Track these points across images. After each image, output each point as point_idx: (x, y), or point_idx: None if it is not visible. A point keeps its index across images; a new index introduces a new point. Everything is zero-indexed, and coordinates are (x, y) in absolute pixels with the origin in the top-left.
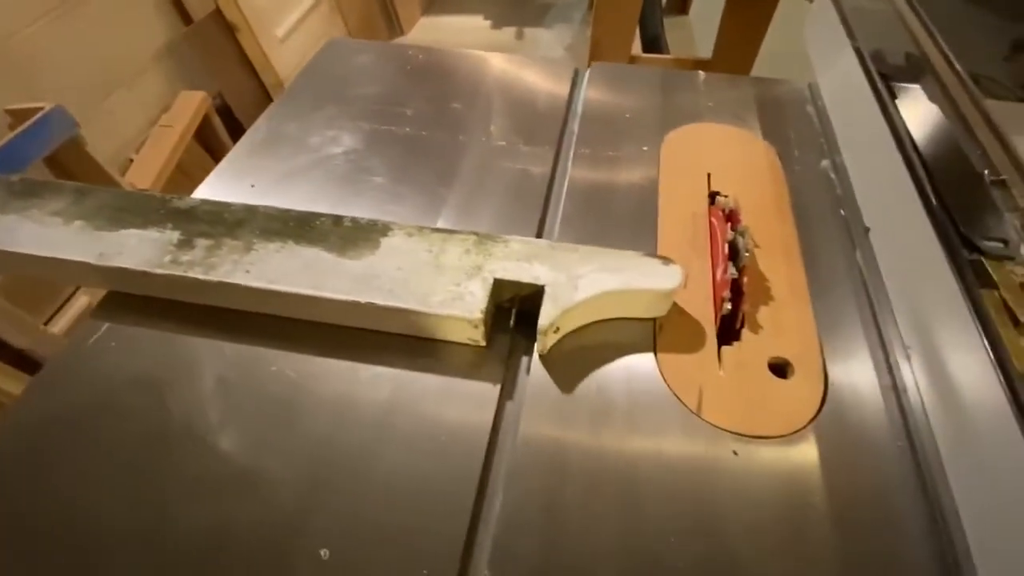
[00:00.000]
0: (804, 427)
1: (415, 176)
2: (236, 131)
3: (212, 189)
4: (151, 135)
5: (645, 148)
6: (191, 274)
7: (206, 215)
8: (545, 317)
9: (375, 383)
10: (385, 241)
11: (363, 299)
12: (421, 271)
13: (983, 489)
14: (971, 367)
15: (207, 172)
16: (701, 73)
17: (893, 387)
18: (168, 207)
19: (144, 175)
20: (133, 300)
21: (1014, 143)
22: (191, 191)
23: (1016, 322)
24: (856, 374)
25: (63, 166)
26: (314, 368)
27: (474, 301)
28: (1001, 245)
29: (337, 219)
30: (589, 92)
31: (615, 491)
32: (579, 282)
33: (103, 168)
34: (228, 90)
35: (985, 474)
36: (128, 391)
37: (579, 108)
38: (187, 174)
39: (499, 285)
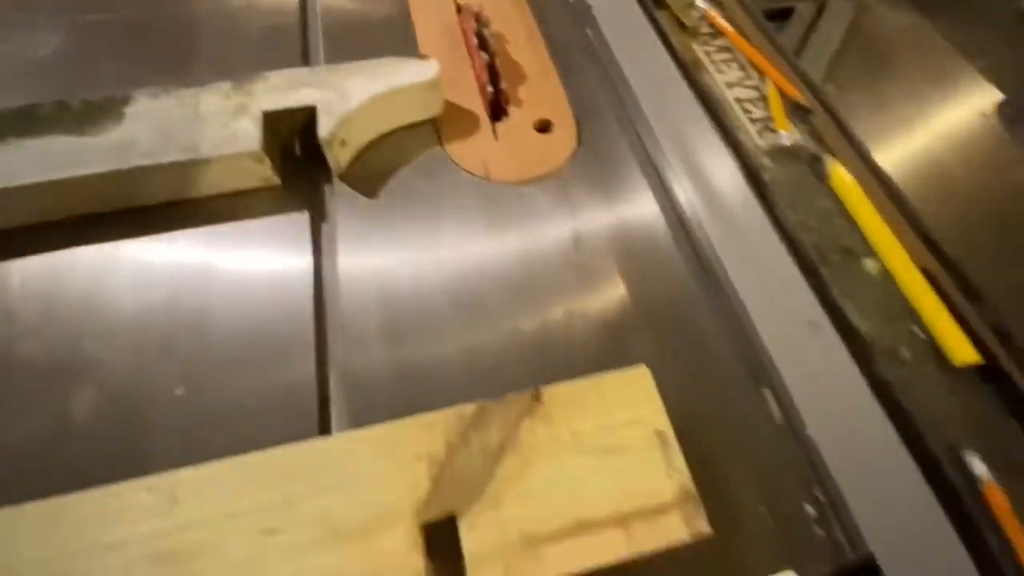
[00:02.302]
0: (568, 159)
1: (153, 62)
2: None
3: None
4: None
5: None
6: None
7: None
8: (323, 128)
9: (172, 252)
10: (130, 110)
11: (124, 165)
12: (181, 125)
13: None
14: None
15: None
16: None
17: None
18: None
19: None
20: None
21: None
22: None
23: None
24: (599, 119)
25: None
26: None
27: (248, 137)
28: None
29: (62, 103)
30: None
31: (445, 276)
32: (348, 93)
33: None
34: None
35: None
36: None
37: None
38: None
39: (270, 118)
